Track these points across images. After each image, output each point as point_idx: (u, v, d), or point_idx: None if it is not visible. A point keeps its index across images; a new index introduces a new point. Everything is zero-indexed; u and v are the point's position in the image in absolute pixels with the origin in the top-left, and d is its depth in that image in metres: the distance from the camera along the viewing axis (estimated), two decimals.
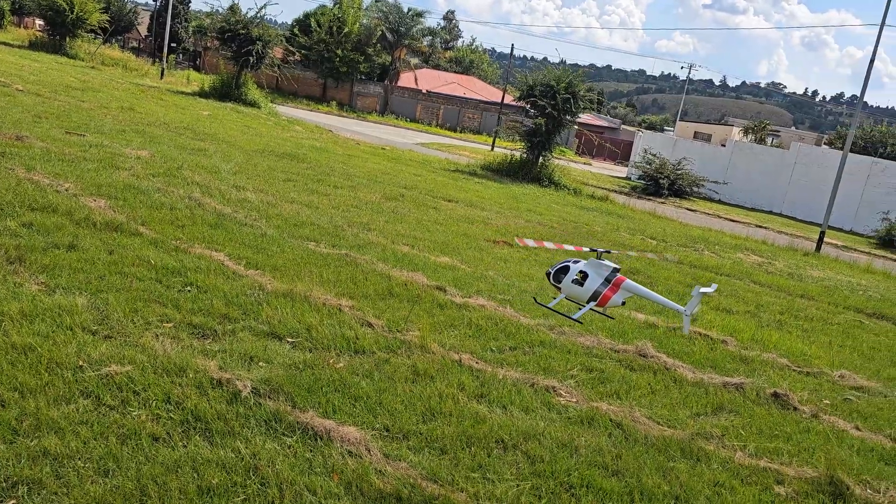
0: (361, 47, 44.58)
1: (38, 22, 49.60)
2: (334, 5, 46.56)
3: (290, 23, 49.65)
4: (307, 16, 47.68)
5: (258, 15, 28.57)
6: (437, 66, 59.34)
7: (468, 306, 6.22)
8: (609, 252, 4.58)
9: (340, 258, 7.01)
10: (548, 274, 4.52)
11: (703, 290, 4.23)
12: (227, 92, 27.23)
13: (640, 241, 12.49)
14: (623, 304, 4.35)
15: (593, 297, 4.33)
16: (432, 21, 63.10)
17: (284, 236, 7.52)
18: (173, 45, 46.64)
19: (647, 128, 66.09)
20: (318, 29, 43.33)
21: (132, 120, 15.28)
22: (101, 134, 12.10)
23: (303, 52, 40.01)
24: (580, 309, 4.35)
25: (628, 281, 4.35)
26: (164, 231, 6.73)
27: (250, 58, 27.26)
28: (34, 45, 35.05)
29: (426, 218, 10.42)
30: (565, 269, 4.45)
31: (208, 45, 39.12)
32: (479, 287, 6.93)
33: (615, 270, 4.36)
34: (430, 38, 50.69)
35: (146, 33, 63.17)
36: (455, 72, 58.86)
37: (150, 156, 10.62)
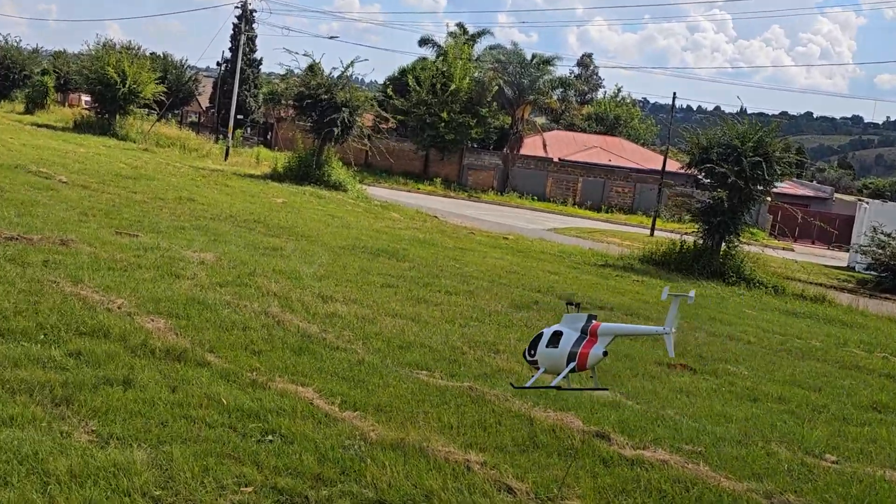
0: (473, 107, 46.42)
1: (84, 98, 55.72)
2: (437, 57, 49.18)
3: (381, 82, 52.85)
4: (403, 72, 50.61)
5: (344, 75, 30.57)
6: (571, 127, 60.65)
7: (643, 462, 5.95)
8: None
9: (462, 393, 6.98)
10: (524, 354, 4.87)
11: (678, 295, 4.52)
12: (305, 172, 28.92)
13: (880, 361, 11.68)
14: (605, 354, 4.57)
15: (571, 358, 4.66)
16: (563, 69, 65.10)
17: (387, 363, 7.62)
18: (240, 117, 50.62)
19: (871, 195, 63.39)
20: (417, 88, 45.70)
21: (193, 213, 16.46)
22: (156, 233, 13.06)
23: (399, 117, 42.18)
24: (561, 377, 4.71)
25: (604, 324, 4.68)
26: (236, 359, 7.01)
27: (334, 129, 29.00)
28: (79, 126, 39.13)
29: None
30: (539, 337, 4.82)
31: (282, 114, 42.09)
32: (657, 433, 6.66)
33: (590, 318, 4.70)
34: (562, 90, 52.00)
35: (208, 104, 69.08)
36: (596, 132, 59.81)
37: (216, 259, 11.29)
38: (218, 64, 63.95)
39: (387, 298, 10.70)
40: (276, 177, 29.22)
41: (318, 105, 29.49)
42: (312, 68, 31.18)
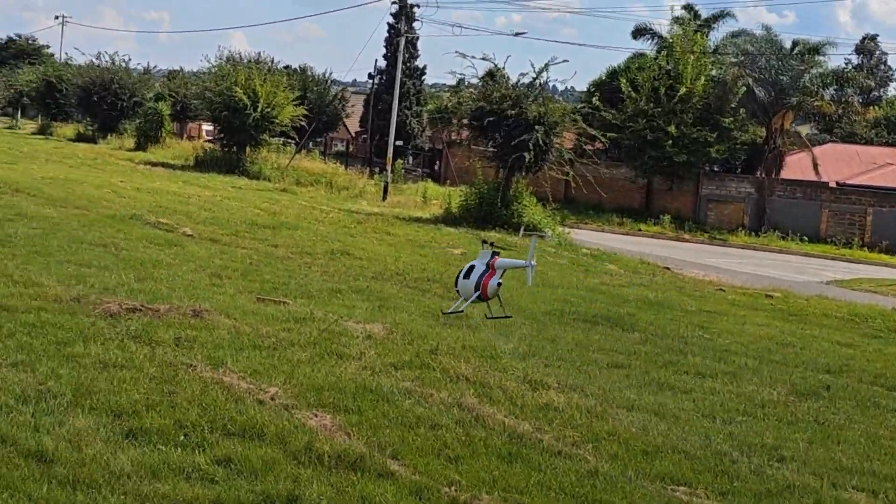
0: (711, 118, 45.71)
1: (206, 127, 59.39)
2: (659, 52, 48.89)
3: (584, 89, 53.07)
4: (613, 75, 50.61)
5: (536, 82, 30.85)
6: (851, 138, 58.46)
7: None
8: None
9: None
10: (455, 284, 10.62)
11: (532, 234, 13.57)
12: (488, 213, 29.31)
13: None
14: (499, 285, 8.54)
15: (476, 288, 10.39)
16: (837, 58, 62.75)
17: (629, 475, 7.46)
18: (400, 143, 52.08)
19: None
20: (633, 94, 45.55)
21: (349, 271, 16.96)
22: (307, 298, 13.52)
23: (609, 135, 42.05)
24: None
25: (500, 259, 9.53)
26: (428, 468, 7.05)
27: (525, 154, 29.25)
28: (202, 163, 41.62)
29: (888, 435, 9.70)
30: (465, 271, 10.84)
31: (454, 137, 43.10)
32: None
33: (494, 254, 9.78)
34: (837, 87, 50.22)
35: (358, 128, 71.82)
36: (889, 143, 57.26)
37: (386, 332, 11.52)
38: (370, 76, 66.57)
39: (616, 384, 10.52)
40: (449, 219, 29.72)
41: (503, 123, 29.81)
42: (493, 75, 31.62)
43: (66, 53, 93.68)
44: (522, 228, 14.29)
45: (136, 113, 56.90)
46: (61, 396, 7.63)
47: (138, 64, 65.09)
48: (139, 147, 51.98)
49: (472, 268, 12.61)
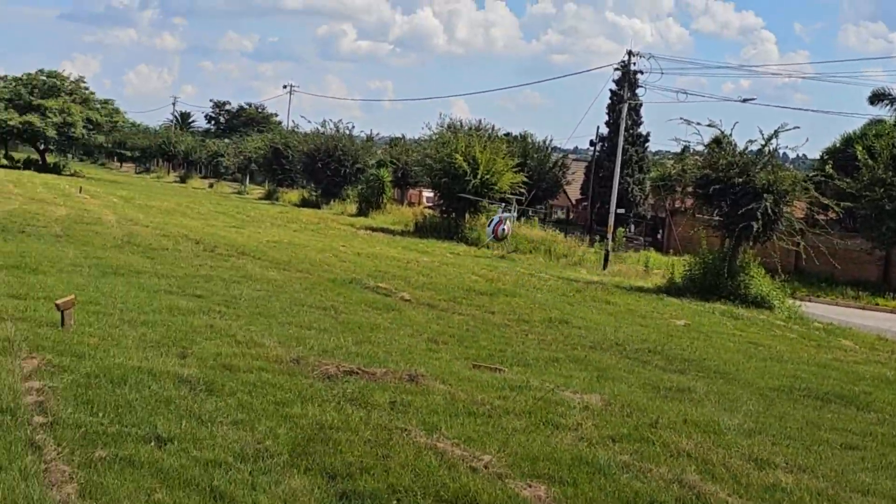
0: None
1: (426, 194, 60.81)
2: None
3: (816, 157, 51.54)
4: (848, 142, 49.06)
5: (765, 149, 30.14)
6: None
7: None
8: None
9: None
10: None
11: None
12: (713, 283, 28.68)
13: None
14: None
15: (493, 232, 40.62)
16: None
17: None
18: (621, 211, 52.00)
19: None
20: (870, 162, 43.90)
21: (567, 340, 16.87)
22: (523, 367, 13.51)
23: (844, 204, 40.42)
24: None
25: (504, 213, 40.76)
26: None
27: (753, 223, 28.47)
28: (421, 229, 42.60)
29: None
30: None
31: (678, 206, 42.50)
32: None
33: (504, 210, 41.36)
34: None
35: (579, 196, 72.02)
36: None
37: (604, 403, 11.35)
38: (591, 144, 66.77)
39: (850, 466, 9.97)
40: (672, 290, 29.26)
41: (730, 191, 29.20)
42: (719, 142, 31.08)
43: (293, 121, 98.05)
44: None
45: (359, 179, 58.92)
46: (278, 456, 7.84)
47: (361, 131, 67.74)
48: (361, 212, 53.68)
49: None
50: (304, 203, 61.67)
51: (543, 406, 10.70)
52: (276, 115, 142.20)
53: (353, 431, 8.81)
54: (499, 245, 39.23)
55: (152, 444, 7.73)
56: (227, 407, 9.12)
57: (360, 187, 57.56)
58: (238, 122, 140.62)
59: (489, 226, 41.24)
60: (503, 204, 42.54)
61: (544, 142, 64.09)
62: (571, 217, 72.02)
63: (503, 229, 40.51)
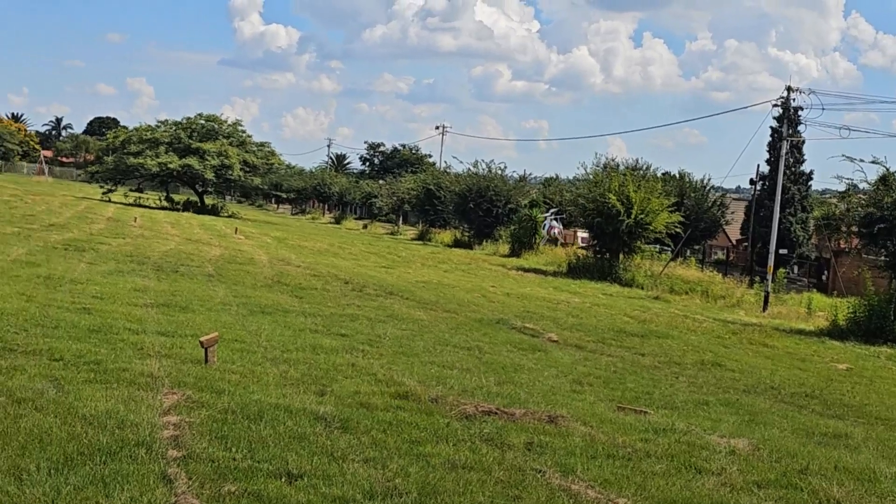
0: None
1: (581, 234, 60.61)
2: None
3: None
4: None
5: None
6: None
7: None
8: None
9: None
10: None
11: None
12: (878, 326, 27.75)
13: None
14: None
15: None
16: None
17: None
18: (783, 251, 50.78)
19: None
20: None
21: (719, 383, 16.52)
22: (671, 409, 13.26)
23: None
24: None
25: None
26: None
27: None
28: (574, 270, 42.45)
29: None
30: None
31: (842, 246, 41.34)
32: None
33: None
34: None
35: (738, 236, 70.59)
36: None
37: (752, 448, 11.03)
38: (751, 182, 65.43)
39: None
40: (835, 332, 28.38)
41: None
42: (886, 180, 30.18)
43: (445, 161, 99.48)
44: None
45: (511, 219, 59.05)
46: (407, 494, 7.85)
47: (514, 171, 68.19)
48: (513, 253, 53.77)
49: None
50: (456, 243, 62.15)
51: (687, 450, 10.47)
52: (430, 155, 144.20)
53: (486, 471, 8.77)
54: (653, 285, 38.71)
55: (282, 479, 7.84)
56: (360, 444, 9.20)
57: (512, 227, 57.68)
58: (392, 163, 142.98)
59: (544, 230, 55.38)
60: (550, 210, 55.22)
61: (702, 180, 63.17)
62: (731, 258, 70.52)
63: (555, 232, 56.10)
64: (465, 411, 11.20)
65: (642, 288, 38.65)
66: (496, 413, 11.29)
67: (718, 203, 63.86)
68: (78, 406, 9.38)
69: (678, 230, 44.09)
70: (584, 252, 48.47)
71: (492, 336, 19.16)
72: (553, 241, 55.48)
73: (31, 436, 8.26)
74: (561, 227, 57.18)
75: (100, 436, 8.43)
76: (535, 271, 43.13)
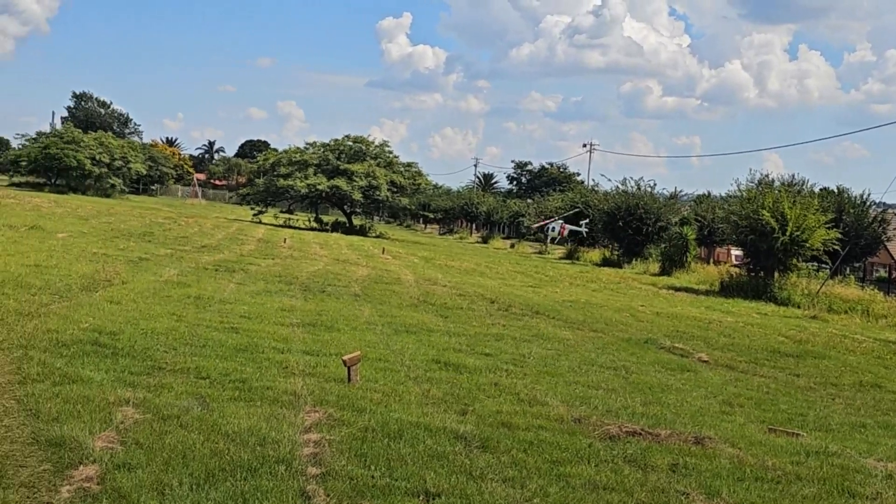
0: None
1: (735, 252, 59.50)
2: None
3: None
4: None
5: None
6: None
7: None
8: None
9: None
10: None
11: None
12: None
13: None
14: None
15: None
16: None
17: None
18: None
19: None
20: None
21: (878, 405, 16.00)
22: (825, 432, 12.90)
23: None
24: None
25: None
26: None
27: None
28: (727, 289, 41.69)
29: None
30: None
31: None
32: None
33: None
34: None
35: None
36: None
37: None
38: None
39: None
40: None
41: None
42: None
43: (593, 179, 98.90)
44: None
45: (661, 237, 58.36)
46: None
47: (664, 189, 67.28)
48: (663, 272, 53.09)
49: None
50: (605, 262, 61.68)
51: (840, 473, 10.15)
52: (578, 174, 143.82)
53: (628, 493, 8.67)
54: (810, 304, 37.63)
55: (420, 498, 7.91)
56: (499, 464, 9.21)
57: (662, 246, 56.98)
58: (539, 181, 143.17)
59: (553, 231, 70.38)
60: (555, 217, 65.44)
61: (861, 195, 61.22)
62: (894, 276, 68.10)
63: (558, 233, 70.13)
64: (608, 432, 11.10)
65: (798, 307, 37.60)
66: (641, 434, 11.15)
67: (879, 219, 61.76)
68: (221, 423, 9.65)
69: (836, 247, 42.82)
70: (737, 270, 47.53)
71: (639, 356, 18.94)
72: (555, 240, 72.06)
73: (175, 452, 8.53)
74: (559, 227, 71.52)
75: (241, 452, 8.65)
76: (686, 290, 42.44)
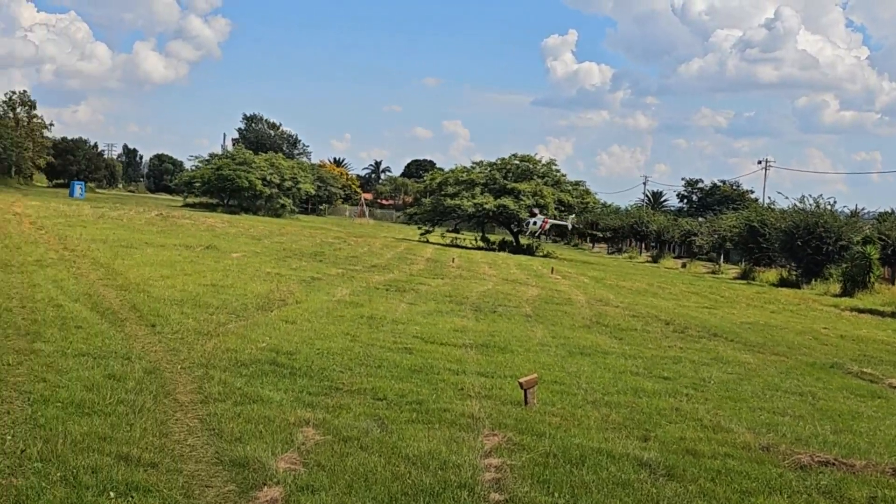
0: None
1: None
2: None
3: None
4: None
5: None
6: None
7: None
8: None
9: None
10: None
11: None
12: None
13: None
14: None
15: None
16: None
17: None
18: None
19: None
20: None
21: None
22: None
23: None
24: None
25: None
26: None
27: None
28: None
29: None
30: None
31: None
32: None
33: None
34: None
35: None
36: None
37: None
38: None
39: None
40: None
41: None
42: None
43: (769, 197, 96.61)
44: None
45: (842, 257, 56.47)
46: None
47: (844, 206, 65.06)
48: (845, 292, 51.30)
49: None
50: (783, 283, 60.01)
51: None
52: (752, 191, 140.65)
53: None
54: None
55: None
56: (687, 493, 8.98)
57: (843, 266, 55.07)
58: (711, 200, 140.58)
59: (534, 225, 74.42)
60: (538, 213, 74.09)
61: None
62: None
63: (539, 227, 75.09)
64: (799, 461, 10.72)
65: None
66: (834, 464, 10.74)
67: None
68: (401, 446, 9.68)
69: None
70: None
71: (826, 381, 18.26)
72: (534, 234, 77.07)
73: (357, 474, 8.58)
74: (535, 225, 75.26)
75: (423, 476, 8.65)
76: (871, 312, 40.87)
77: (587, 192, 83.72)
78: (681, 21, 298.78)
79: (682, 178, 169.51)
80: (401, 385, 13.15)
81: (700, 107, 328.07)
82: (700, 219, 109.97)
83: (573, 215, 73.57)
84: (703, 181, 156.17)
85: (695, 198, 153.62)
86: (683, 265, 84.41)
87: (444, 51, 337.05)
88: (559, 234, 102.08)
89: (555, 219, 75.57)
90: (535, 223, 75.28)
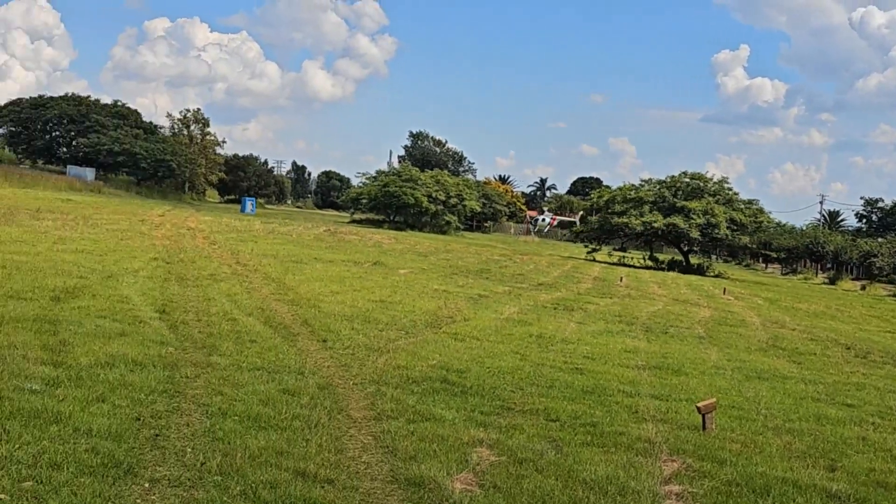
0: None
1: None
2: None
3: None
4: None
5: None
6: None
7: None
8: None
9: None
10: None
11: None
12: None
13: None
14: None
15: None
16: None
17: None
18: None
19: None
20: None
21: None
22: None
23: None
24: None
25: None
26: None
27: None
28: None
29: None
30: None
31: None
32: None
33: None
34: None
35: None
36: None
37: None
38: None
39: None
40: None
41: None
42: None
43: None
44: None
45: None
46: None
47: None
48: None
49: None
50: None
51: None
52: None
53: None
54: None
55: None
56: None
57: None
58: (893, 219, 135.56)
59: (542, 223, 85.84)
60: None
61: None
62: None
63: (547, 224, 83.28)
64: None
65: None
66: None
67: None
68: (577, 469, 9.52)
69: None
70: None
71: None
72: (551, 231, 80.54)
73: (534, 497, 8.48)
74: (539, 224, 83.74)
75: (601, 502, 8.48)
76: None
77: (760, 210, 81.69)
78: (859, 35, 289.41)
79: (861, 197, 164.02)
80: (573, 406, 12.98)
81: (879, 123, 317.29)
82: (880, 239, 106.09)
83: (581, 212, 77.04)
84: (883, 200, 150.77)
85: (875, 217, 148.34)
86: (863, 287, 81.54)
87: (612, 67, 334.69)
88: (730, 254, 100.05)
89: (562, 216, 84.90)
90: (542, 220, 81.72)
